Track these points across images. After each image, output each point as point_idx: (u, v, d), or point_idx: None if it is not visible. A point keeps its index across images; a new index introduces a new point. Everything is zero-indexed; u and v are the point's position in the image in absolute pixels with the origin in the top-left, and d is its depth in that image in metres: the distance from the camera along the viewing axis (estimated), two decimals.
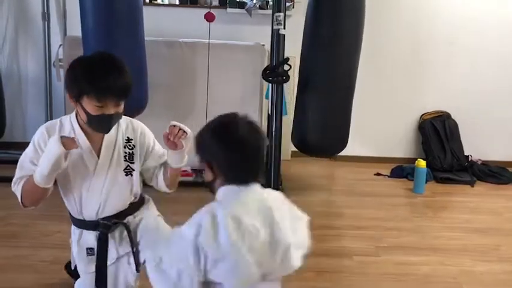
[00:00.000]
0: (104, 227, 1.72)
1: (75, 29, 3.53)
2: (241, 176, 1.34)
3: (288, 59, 3.22)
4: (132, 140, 1.78)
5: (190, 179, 3.79)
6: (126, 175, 1.75)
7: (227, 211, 1.27)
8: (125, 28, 3.15)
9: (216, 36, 3.69)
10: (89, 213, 1.74)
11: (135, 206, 1.85)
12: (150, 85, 3.40)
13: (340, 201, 3.62)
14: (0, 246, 2.58)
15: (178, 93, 3.93)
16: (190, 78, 3.90)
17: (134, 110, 3.31)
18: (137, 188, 1.81)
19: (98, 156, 1.71)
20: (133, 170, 1.77)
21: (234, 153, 1.32)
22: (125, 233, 1.76)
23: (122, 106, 1.66)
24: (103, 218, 1.73)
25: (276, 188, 3.31)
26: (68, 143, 1.54)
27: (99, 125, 1.64)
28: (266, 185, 3.45)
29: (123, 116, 1.75)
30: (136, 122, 1.86)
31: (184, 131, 1.72)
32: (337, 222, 3.16)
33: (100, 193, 1.72)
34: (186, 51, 3.91)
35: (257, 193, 1.35)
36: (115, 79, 1.58)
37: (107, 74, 1.57)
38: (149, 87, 3.40)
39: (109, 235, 1.73)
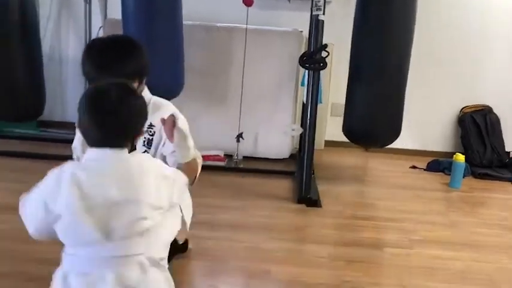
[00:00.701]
0: None
1: (115, 12, 3.57)
2: (95, 140, 1.35)
3: (326, 45, 3.17)
4: (154, 126, 1.81)
5: (222, 163, 3.81)
6: None
7: (72, 171, 1.31)
8: (164, 12, 3.17)
9: (254, 21, 3.67)
10: None
11: None
12: (186, 69, 3.42)
13: (373, 192, 3.56)
14: None
15: (213, 78, 3.94)
16: (227, 63, 3.91)
17: (170, 93, 3.35)
18: None
19: None
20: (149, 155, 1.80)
21: (83, 116, 1.35)
22: None
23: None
24: None
25: (309, 176, 3.30)
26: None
27: None
28: (298, 173, 3.48)
29: (157, 101, 1.77)
30: (167, 108, 1.84)
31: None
32: (369, 213, 3.11)
33: None
34: (223, 35, 3.91)
35: (116, 156, 1.35)
36: (110, 64, 1.62)
37: (103, 57, 1.63)
38: (185, 71, 3.42)
39: None
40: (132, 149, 1.42)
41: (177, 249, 2.34)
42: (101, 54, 1.66)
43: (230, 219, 2.89)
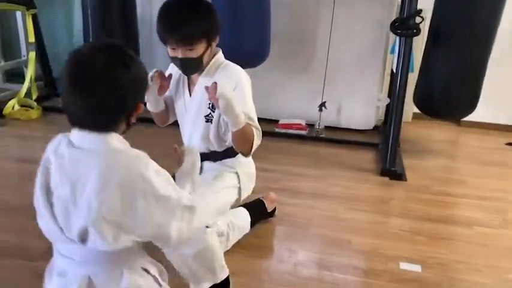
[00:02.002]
0: None
1: None
2: (74, 118, 1.14)
3: (420, 10, 2.98)
4: None
5: (304, 132, 3.79)
6: (206, 122, 1.81)
7: (48, 155, 1.18)
8: None
9: None
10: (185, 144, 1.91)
11: (218, 155, 1.88)
12: (271, 35, 3.40)
13: (463, 168, 3.36)
14: None
15: (298, 44, 3.87)
16: (313, 29, 3.82)
17: (255, 59, 3.37)
18: (214, 138, 1.83)
19: (191, 95, 1.85)
20: (213, 118, 1.80)
21: (62, 86, 1.12)
22: None
23: (195, 51, 1.67)
24: None
25: (395, 149, 3.18)
26: (153, 78, 1.75)
27: (177, 67, 1.76)
28: (383, 145, 3.37)
29: (226, 66, 1.79)
30: (236, 74, 1.79)
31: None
32: (458, 190, 2.95)
33: (188, 129, 1.88)
34: (311, 2, 3.82)
35: (94, 145, 1.13)
36: (178, 24, 1.62)
37: (171, 18, 1.64)
38: (272, 38, 3.40)
39: None
40: (129, 127, 1.22)
41: (264, 215, 2.41)
42: (170, 15, 1.67)
43: (311, 188, 2.89)
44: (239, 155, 1.85)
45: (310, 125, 3.85)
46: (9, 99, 4.04)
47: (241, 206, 2.26)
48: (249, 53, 3.31)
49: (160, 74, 1.78)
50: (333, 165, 3.27)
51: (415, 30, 2.95)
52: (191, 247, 1.67)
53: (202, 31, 1.66)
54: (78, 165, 1.12)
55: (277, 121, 3.90)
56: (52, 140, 1.21)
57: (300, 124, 3.84)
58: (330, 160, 3.36)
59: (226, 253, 2.11)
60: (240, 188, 1.90)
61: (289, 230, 2.41)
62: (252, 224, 2.27)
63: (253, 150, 1.72)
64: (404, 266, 2.12)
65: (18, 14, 4.48)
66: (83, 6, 4.26)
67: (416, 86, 3.45)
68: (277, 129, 3.83)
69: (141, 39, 3.63)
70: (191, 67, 1.74)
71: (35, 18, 4.20)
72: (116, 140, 1.15)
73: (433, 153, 3.62)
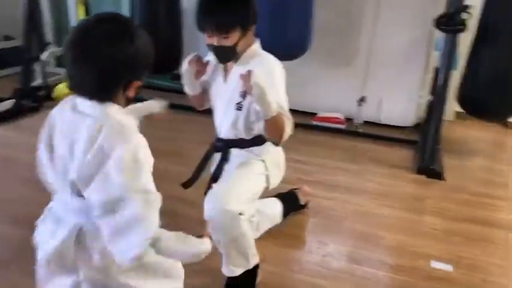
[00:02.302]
0: (217, 142, 1.96)
1: None
2: (73, 85, 1.19)
3: (467, 6, 2.90)
4: None
5: (342, 126, 3.78)
6: (237, 109, 1.82)
7: (54, 111, 1.28)
8: None
9: None
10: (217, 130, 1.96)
11: (245, 142, 1.89)
12: (314, 27, 3.39)
13: (505, 171, 3.25)
14: (166, 161, 2.91)
15: (340, 37, 3.83)
16: (356, 22, 3.78)
17: (297, 50, 3.38)
18: (243, 126, 1.83)
19: (225, 83, 1.88)
20: (243, 106, 1.81)
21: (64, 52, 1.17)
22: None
23: (230, 40, 1.69)
24: (218, 139, 1.94)
25: (434, 147, 3.13)
26: (191, 62, 1.82)
27: (213, 54, 1.79)
28: (422, 142, 3.31)
29: (261, 55, 1.80)
30: (269, 64, 1.79)
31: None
32: (499, 192, 2.87)
33: (220, 115, 1.91)
34: None
35: (81, 103, 1.19)
36: (213, 12, 1.67)
37: (208, 6, 1.69)
38: (314, 30, 3.40)
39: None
40: (128, 102, 1.25)
41: (296, 207, 2.43)
42: (207, 3, 1.71)
43: (346, 182, 2.89)
44: (267, 143, 1.88)
45: (349, 120, 3.83)
46: (60, 83, 4.23)
47: (273, 196, 2.30)
48: (290, 44, 3.33)
49: (198, 59, 1.83)
50: (369, 160, 3.24)
51: (460, 27, 2.88)
52: (225, 233, 1.72)
53: (237, 20, 1.69)
54: (76, 128, 1.17)
55: (315, 114, 3.90)
56: (63, 100, 1.26)
57: (338, 118, 3.82)
58: (367, 155, 3.33)
59: (257, 240, 2.16)
60: (267, 176, 1.89)
61: (322, 223, 2.43)
62: (284, 215, 2.31)
63: (284, 139, 1.73)
64: (435, 264, 2.10)
65: (71, 1, 4.67)
66: None
67: (460, 85, 3.36)
68: (314, 122, 3.83)
69: (185, 29, 3.72)
70: (225, 55, 1.77)
71: (86, 5, 4.37)
72: (114, 109, 1.18)
73: (475, 154, 3.52)
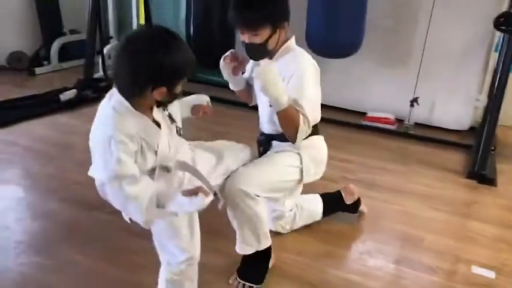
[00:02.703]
0: (260, 136, 2.04)
1: None
2: None
3: None
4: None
5: (392, 127, 3.71)
6: (270, 105, 1.78)
7: None
8: None
9: None
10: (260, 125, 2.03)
11: (284, 136, 1.82)
12: (367, 25, 3.35)
13: None
14: None
15: (394, 36, 3.76)
16: (411, 21, 3.69)
17: (349, 49, 3.36)
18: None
19: None
20: None
21: None
22: None
23: (260, 37, 1.72)
24: (261, 133, 2.03)
25: (487, 152, 3.01)
26: (226, 58, 1.85)
27: (246, 51, 1.81)
28: (476, 146, 3.19)
29: (297, 52, 1.82)
30: (300, 61, 1.80)
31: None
32: None
33: (261, 111, 2.01)
34: None
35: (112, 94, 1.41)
36: (241, 10, 1.71)
37: (238, 4, 1.72)
38: (366, 28, 3.37)
39: None
40: (158, 104, 1.43)
41: (340, 207, 2.37)
42: (237, 1, 1.74)
43: (390, 182, 2.85)
44: (311, 139, 1.87)
45: (400, 120, 3.75)
46: None
47: (318, 194, 2.31)
48: (342, 43, 3.32)
49: (233, 56, 1.85)
50: (418, 162, 3.17)
51: None
52: (238, 211, 1.78)
53: (265, 17, 1.71)
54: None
55: (365, 113, 3.86)
56: None
57: (388, 118, 3.76)
58: (416, 157, 3.26)
59: (294, 234, 2.20)
60: (301, 170, 1.89)
61: (360, 220, 2.41)
62: (326, 213, 2.30)
63: (299, 136, 1.71)
64: (476, 270, 2.03)
65: None
66: None
67: None
68: (364, 122, 3.79)
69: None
70: (256, 52, 1.78)
71: (146, 2, 4.57)
72: (116, 99, 1.38)
73: None
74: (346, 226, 2.37)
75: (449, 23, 3.53)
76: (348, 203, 2.36)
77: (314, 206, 2.28)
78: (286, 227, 2.20)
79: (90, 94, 4.05)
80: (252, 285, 1.87)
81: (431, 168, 3.08)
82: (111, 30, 5.18)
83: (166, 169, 1.51)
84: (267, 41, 1.75)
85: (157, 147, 1.44)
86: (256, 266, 1.91)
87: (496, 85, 2.98)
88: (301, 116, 1.68)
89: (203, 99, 1.81)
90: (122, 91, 1.37)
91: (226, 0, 3.42)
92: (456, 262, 2.09)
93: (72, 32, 5.15)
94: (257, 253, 1.88)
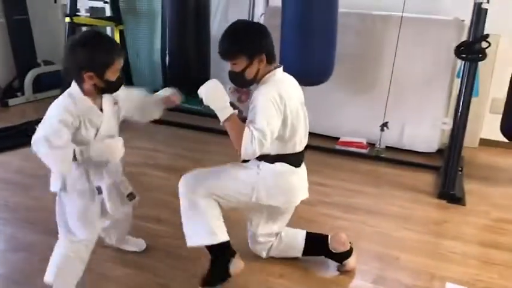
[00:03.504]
0: None
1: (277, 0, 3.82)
2: None
3: (487, 35, 2.97)
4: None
5: (364, 151, 3.85)
6: None
7: None
8: (321, 2, 3.31)
9: (411, 9, 3.58)
10: None
11: (261, 157, 1.99)
12: (336, 55, 3.51)
13: None
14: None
15: (363, 65, 3.97)
16: (378, 51, 3.90)
17: (319, 77, 3.50)
18: None
19: None
20: None
21: None
22: None
23: (237, 66, 1.92)
24: None
25: (455, 172, 3.16)
26: (230, 91, 2.13)
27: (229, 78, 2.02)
28: (444, 167, 3.34)
29: (268, 82, 1.94)
30: (260, 91, 1.92)
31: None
32: None
33: None
34: (378, 24, 3.90)
35: None
36: (221, 43, 1.94)
37: (222, 36, 1.94)
38: (336, 58, 3.52)
39: None
40: (95, 88, 1.76)
41: (322, 251, 2.24)
42: (222, 34, 1.94)
43: (365, 204, 2.95)
44: (275, 164, 1.99)
45: (371, 144, 3.89)
46: None
47: (306, 231, 2.25)
48: (314, 71, 3.46)
49: (235, 88, 2.10)
50: (390, 184, 3.30)
51: (480, 55, 2.95)
52: (181, 199, 1.97)
53: (239, 49, 1.90)
54: None
55: (338, 138, 3.99)
56: None
57: (360, 142, 3.90)
58: (388, 180, 3.39)
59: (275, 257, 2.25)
60: (253, 189, 1.97)
61: None
62: (307, 253, 2.23)
63: (243, 150, 1.81)
64: (450, 286, 2.13)
65: (108, 29, 4.97)
66: (162, 27, 4.65)
67: (503, 114, 3.32)
68: (337, 147, 3.92)
69: (214, 56, 3.91)
70: (235, 80, 1.99)
71: (122, 34, 4.65)
72: (72, 87, 1.78)
73: (498, 181, 3.52)
74: None
75: (414, 51, 3.74)
76: (333, 251, 2.20)
77: (294, 241, 2.23)
78: (263, 253, 2.24)
79: None
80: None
81: (403, 190, 3.21)
82: None
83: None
84: (243, 70, 1.92)
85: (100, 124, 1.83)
86: (210, 267, 2.00)
87: (460, 109, 3.15)
88: (247, 133, 1.80)
89: (170, 91, 2.09)
90: (69, 79, 1.77)
91: (201, 29, 3.66)
92: (431, 279, 2.18)
93: (46, 62, 5.17)
94: (214, 251, 1.98)
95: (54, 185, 1.87)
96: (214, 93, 1.87)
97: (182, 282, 2.06)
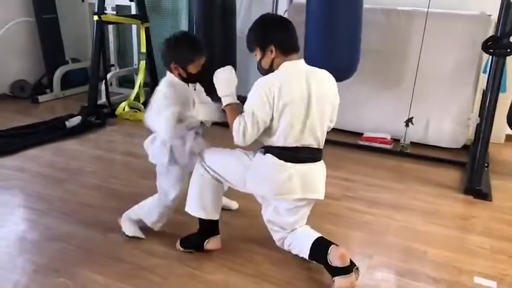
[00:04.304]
0: None
1: None
2: None
3: None
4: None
5: (388, 146, 3.85)
6: None
7: None
8: None
9: (437, 4, 3.56)
10: None
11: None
12: (362, 51, 3.52)
13: None
14: None
15: (388, 61, 3.96)
16: (403, 47, 3.89)
17: (343, 74, 3.51)
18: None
19: None
20: None
21: None
22: None
23: (256, 57, 2.10)
24: None
25: (481, 168, 3.15)
26: None
27: None
28: (470, 163, 3.32)
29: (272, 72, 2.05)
30: (258, 81, 2.07)
31: None
32: None
33: None
34: (403, 19, 3.89)
35: None
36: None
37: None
38: (361, 54, 3.53)
39: None
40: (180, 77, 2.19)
41: (320, 258, 2.06)
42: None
43: (390, 199, 2.96)
44: (266, 155, 2.07)
45: (396, 140, 3.89)
46: (121, 102, 4.57)
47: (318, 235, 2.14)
48: (338, 67, 3.47)
49: None
50: (415, 180, 3.30)
51: (508, 50, 2.92)
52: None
53: (252, 40, 2.09)
54: None
55: (362, 134, 3.99)
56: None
57: (385, 138, 3.90)
58: (413, 175, 3.39)
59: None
60: (244, 175, 2.10)
61: (365, 236, 2.51)
62: (311, 256, 2.10)
63: (234, 135, 2.01)
64: (478, 280, 2.13)
65: (134, 27, 5.06)
66: (189, 22, 4.72)
67: (510, 107, 3.35)
68: (361, 142, 3.92)
69: (240, 52, 3.96)
70: (258, 69, 2.15)
71: (147, 31, 4.72)
72: (169, 76, 2.21)
73: None
74: (350, 241, 2.47)
75: (440, 47, 3.72)
76: (331, 264, 1.99)
77: (305, 241, 2.13)
78: (278, 243, 2.23)
79: (94, 121, 4.16)
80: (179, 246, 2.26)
81: (429, 185, 3.21)
82: (113, 59, 5.33)
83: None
84: (260, 60, 2.09)
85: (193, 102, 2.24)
86: (194, 233, 2.26)
87: (486, 105, 3.13)
88: (236, 121, 2.00)
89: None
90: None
91: (227, 26, 3.78)
92: (458, 274, 2.19)
93: (74, 60, 5.29)
94: (199, 222, 2.23)
95: (160, 158, 2.23)
96: (223, 80, 2.08)
97: (212, 271, 2.12)
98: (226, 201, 2.55)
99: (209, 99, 2.33)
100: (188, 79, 2.19)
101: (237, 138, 2.00)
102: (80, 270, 2.08)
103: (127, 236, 2.34)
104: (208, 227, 2.22)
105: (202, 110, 2.21)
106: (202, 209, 2.19)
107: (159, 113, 2.10)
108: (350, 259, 1.99)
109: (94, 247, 2.27)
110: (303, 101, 1.99)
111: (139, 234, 2.35)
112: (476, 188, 3.06)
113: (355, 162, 3.59)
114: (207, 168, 2.17)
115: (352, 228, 2.58)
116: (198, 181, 2.19)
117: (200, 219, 2.22)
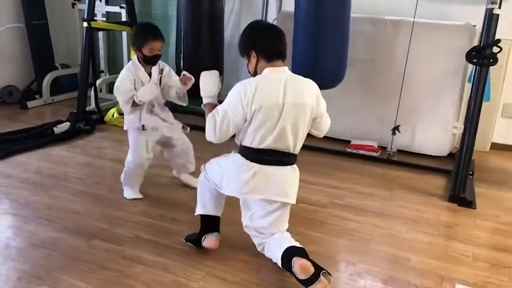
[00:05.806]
0: None
1: (289, 5, 3.88)
2: None
3: (498, 40, 2.99)
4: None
5: (375, 154, 3.88)
6: None
7: None
8: (333, 6, 3.36)
9: (423, 14, 3.62)
10: None
11: None
12: (349, 60, 3.56)
13: None
14: None
15: (375, 69, 4.01)
16: (390, 56, 3.94)
17: (330, 82, 3.54)
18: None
19: None
20: None
21: None
22: None
23: (246, 61, 2.17)
24: None
25: (465, 176, 3.19)
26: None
27: None
28: (455, 171, 3.37)
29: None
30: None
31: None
32: None
33: None
34: (390, 29, 3.95)
35: None
36: None
37: None
38: (348, 62, 3.57)
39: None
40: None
41: (285, 264, 2.04)
42: None
43: (376, 207, 2.99)
44: (236, 154, 2.19)
45: (383, 148, 3.93)
46: (110, 108, 4.57)
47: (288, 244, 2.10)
48: (325, 75, 3.50)
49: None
50: (401, 187, 3.33)
51: (491, 60, 2.97)
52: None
53: (239, 45, 2.18)
54: None
55: (349, 141, 4.02)
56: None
57: (372, 146, 3.94)
58: (399, 183, 3.42)
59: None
60: (222, 176, 2.22)
61: (350, 244, 2.53)
62: (283, 265, 2.06)
63: (206, 130, 2.11)
64: (460, 287, 2.16)
65: (124, 33, 5.07)
66: (177, 31, 4.74)
67: None
68: (348, 150, 3.96)
69: (227, 61, 4.01)
70: (250, 72, 2.21)
71: None
72: (134, 58, 2.77)
73: (509, 185, 3.54)
74: (334, 248, 2.49)
75: (426, 56, 3.78)
76: (297, 276, 1.96)
77: (277, 248, 2.10)
78: (259, 247, 2.24)
79: (82, 127, 4.15)
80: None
81: (415, 193, 3.24)
82: (102, 65, 5.33)
83: None
84: (247, 65, 2.16)
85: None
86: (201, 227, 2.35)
87: (470, 113, 3.18)
88: (208, 118, 2.11)
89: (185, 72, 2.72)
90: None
91: (215, 34, 3.85)
92: (441, 281, 2.21)
93: (63, 66, 5.29)
94: (200, 219, 2.35)
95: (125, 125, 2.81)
96: (206, 81, 2.25)
97: (196, 279, 2.12)
98: (186, 177, 3.06)
99: (177, 78, 2.76)
100: (145, 60, 2.66)
101: (208, 133, 2.11)
102: (64, 277, 2.07)
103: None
104: (207, 223, 2.33)
105: (141, 91, 2.63)
106: (201, 205, 2.33)
107: (117, 88, 2.68)
108: (315, 264, 1.96)
109: (78, 254, 2.27)
110: (277, 108, 2.01)
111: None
112: (460, 196, 3.10)
113: (343, 169, 3.62)
114: (206, 176, 2.30)
115: (337, 236, 2.60)
116: (200, 185, 2.34)
117: (200, 217, 2.34)
